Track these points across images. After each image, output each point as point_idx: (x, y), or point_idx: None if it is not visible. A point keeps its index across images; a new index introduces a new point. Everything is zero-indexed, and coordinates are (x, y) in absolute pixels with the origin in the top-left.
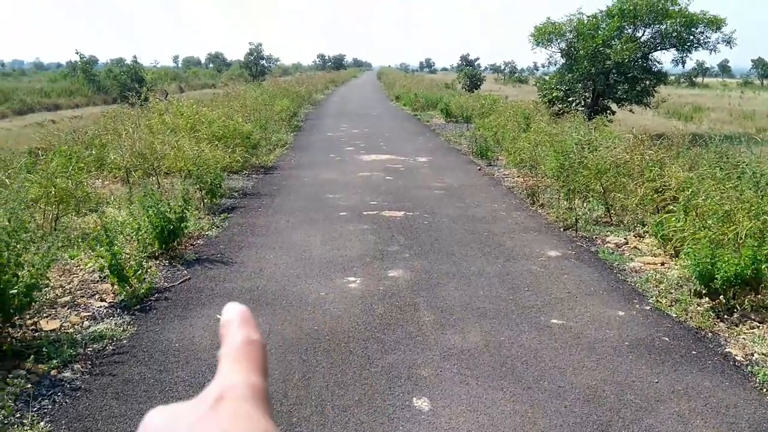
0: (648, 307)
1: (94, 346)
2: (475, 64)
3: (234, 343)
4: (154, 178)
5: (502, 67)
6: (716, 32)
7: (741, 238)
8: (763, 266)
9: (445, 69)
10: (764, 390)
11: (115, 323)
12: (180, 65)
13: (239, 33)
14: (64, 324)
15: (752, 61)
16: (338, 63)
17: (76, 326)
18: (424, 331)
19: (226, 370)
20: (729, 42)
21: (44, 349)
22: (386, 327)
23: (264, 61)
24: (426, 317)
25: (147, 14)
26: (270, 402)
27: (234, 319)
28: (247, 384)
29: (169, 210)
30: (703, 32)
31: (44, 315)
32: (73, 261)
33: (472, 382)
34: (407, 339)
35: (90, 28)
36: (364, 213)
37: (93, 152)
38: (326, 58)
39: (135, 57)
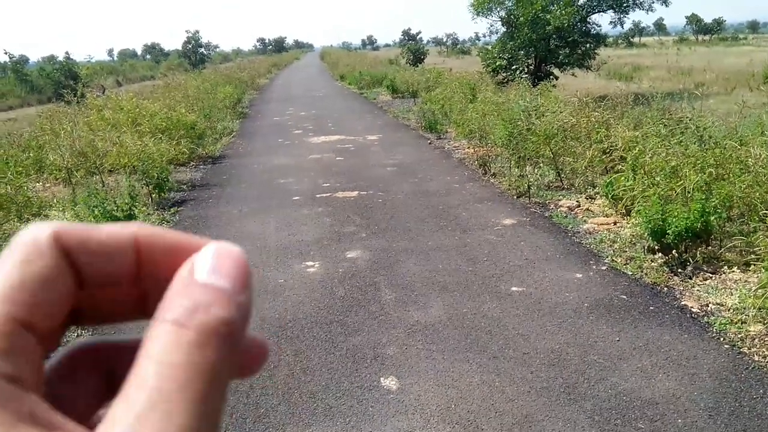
0: (604, 267)
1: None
2: (418, 38)
3: None
4: (97, 177)
5: (445, 40)
6: None
7: (689, 192)
8: (712, 218)
9: (387, 45)
10: (721, 339)
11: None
12: (115, 58)
13: (175, 20)
14: None
15: (686, 17)
16: (279, 46)
17: None
18: (386, 309)
19: None
20: (664, 1)
21: None
22: (348, 309)
23: (203, 49)
24: (387, 296)
25: (76, 8)
26: None
27: None
28: None
29: (116, 208)
30: None
31: None
32: None
33: (438, 357)
34: (370, 319)
35: (17, 26)
36: (318, 196)
37: (31, 155)
38: (267, 41)
39: (67, 53)
